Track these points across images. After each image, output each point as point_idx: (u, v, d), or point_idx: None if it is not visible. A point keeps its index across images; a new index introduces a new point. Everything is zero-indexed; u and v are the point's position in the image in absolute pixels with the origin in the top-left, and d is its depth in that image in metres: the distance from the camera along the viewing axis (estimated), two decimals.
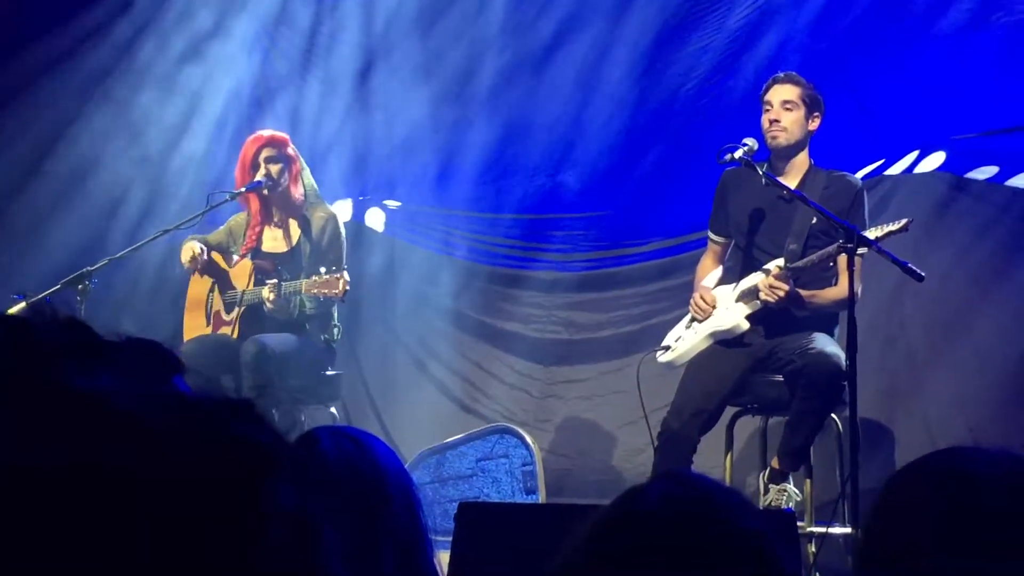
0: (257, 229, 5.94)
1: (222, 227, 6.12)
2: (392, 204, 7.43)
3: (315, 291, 5.45)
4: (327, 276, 5.43)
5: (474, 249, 7.33)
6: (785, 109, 5.12)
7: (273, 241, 5.95)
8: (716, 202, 5.39)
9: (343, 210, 6.90)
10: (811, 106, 5.14)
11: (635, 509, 1.28)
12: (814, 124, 5.16)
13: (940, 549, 1.48)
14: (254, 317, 5.74)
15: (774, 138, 5.12)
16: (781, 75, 5.22)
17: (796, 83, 5.16)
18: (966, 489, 1.51)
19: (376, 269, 7.19)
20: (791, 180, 5.13)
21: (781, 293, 4.91)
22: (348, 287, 5.44)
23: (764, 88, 5.23)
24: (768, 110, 5.16)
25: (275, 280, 5.60)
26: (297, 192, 5.89)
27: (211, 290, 5.98)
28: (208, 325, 5.92)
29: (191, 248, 5.83)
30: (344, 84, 7.24)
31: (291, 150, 5.92)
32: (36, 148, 7.05)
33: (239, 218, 6.06)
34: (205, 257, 5.85)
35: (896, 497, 1.58)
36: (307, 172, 6.01)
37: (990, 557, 1.46)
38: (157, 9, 7.14)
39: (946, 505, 1.50)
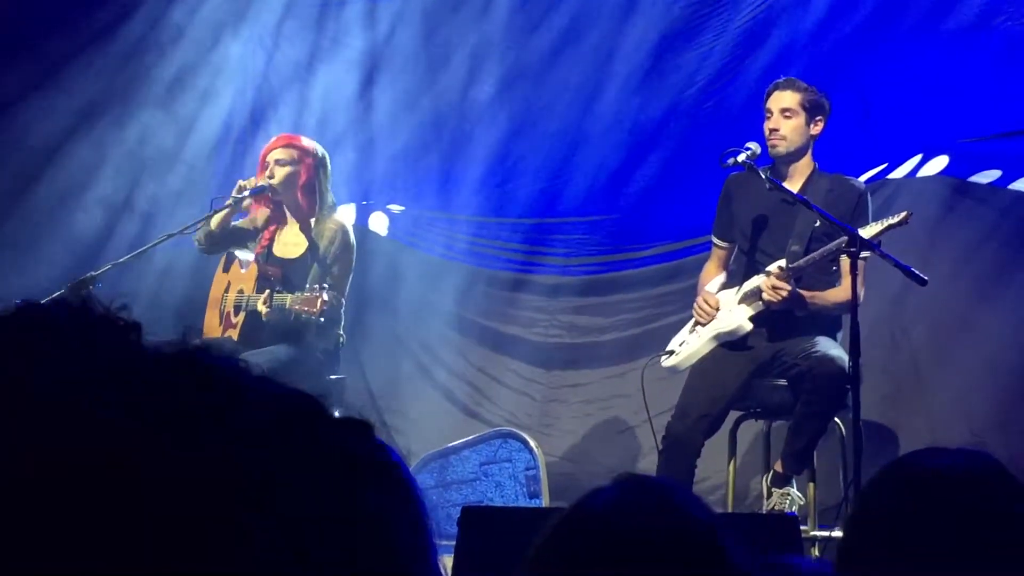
0: (272, 228, 5.94)
1: (248, 216, 6.12)
2: (396, 208, 7.44)
3: (296, 307, 5.47)
4: (307, 294, 5.45)
5: (477, 253, 7.34)
6: (784, 117, 5.12)
7: (283, 246, 5.94)
8: (720, 207, 5.39)
9: (347, 215, 6.90)
10: (812, 111, 5.12)
11: (585, 512, 1.31)
12: (816, 129, 5.15)
13: (914, 551, 1.51)
14: (254, 323, 5.76)
15: (773, 147, 5.12)
16: (782, 80, 5.20)
17: (796, 89, 5.14)
18: (933, 490, 1.54)
19: (379, 273, 7.18)
20: (794, 184, 5.13)
21: (784, 293, 4.91)
22: (326, 306, 5.44)
23: (766, 93, 5.23)
24: (768, 117, 5.15)
25: (268, 291, 5.63)
26: (304, 198, 5.85)
27: (226, 290, 6.01)
28: (220, 324, 5.96)
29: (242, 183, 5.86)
30: (348, 88, 7.24)
31: (308, 156, 5.85)
32: (40, 152, 7.05)
33: (261, 215, 6.04)
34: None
35: (867, 503, 1.61)
36: (324, 180, 5.93)
37: (962, 555, 1.49)
38: (160, 14, 7.15)
39: (915, 507, 1.53)
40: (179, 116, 7.19)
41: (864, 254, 4.72)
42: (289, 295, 5.55)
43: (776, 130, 5.10)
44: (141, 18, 7.13)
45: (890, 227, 4.71)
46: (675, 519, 1.27)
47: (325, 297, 5.42)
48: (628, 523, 1.27)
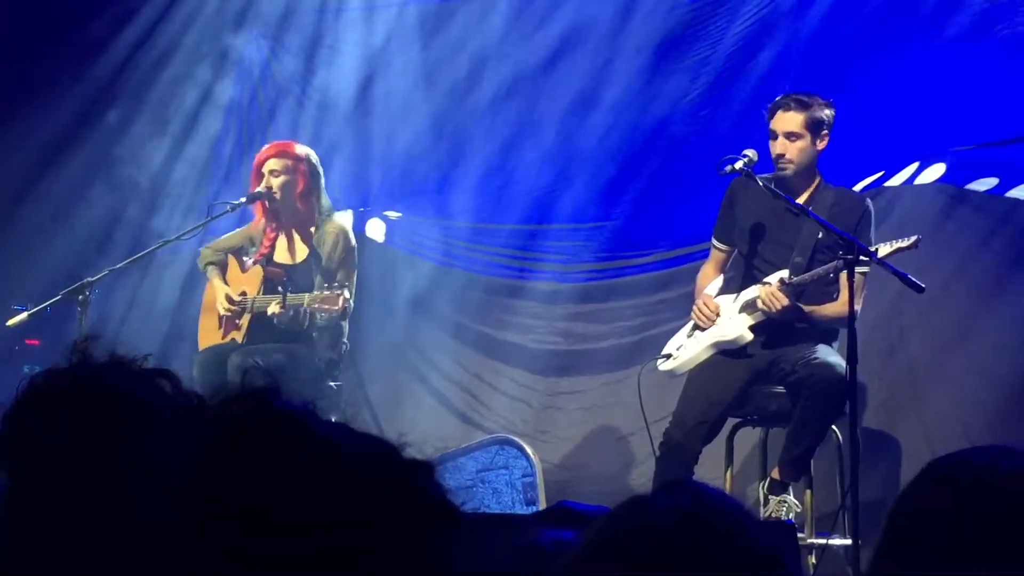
0: (272, 236, 5.93)
1: (241, 229, 6.09)
2: (393, 215, 7.43)
3: (316, 306, 5.44)
4: (328, 292, 5.43)
5: (474, 260, 7.32)
6: (790, 141, 5.06)
7: (284, 252, 5.93)
8: (722, 210, 5.36)
9: (344, 220, 6.89)
10: (816, 128, 5.05)
11: (647, 521, 1.27)
12: (823, 144, 5.11)
13: (953, 552, 1.44)
14: (263, 324, 5.74)
15: (782, 170, 5.06)
16: (786, 100, 5.08)
17: (799, 109, 5.03)
18: (991, 492, 1.47)
19: (376, 280, 7.17)
20: (799, 194, 5.11)
21: (785, 302, 4.91)
22: (349, 304, 5.43)
23: (769, 111, 5.12)
24: (773, 139, 5.08)
25: (281, 292, 5.59)
26: (303, 205, 5.84)
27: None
28: (220, 328, 5.94)
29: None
30: (345, 95, 7.23)
31: (302, 163, 5.84)
32: (39, 158, 7.05)
33: (259, 223, 6.02)
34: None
35: (919, 501, 1.53)
36: (322, 186, 5.93)
37: (1004, 558, 1.42)
38: (158, 21, 7.15)
39: (971, 510, 1.46)
40: (177, 123, 7.18)
41: (863, 269, 4.74)
42: (306, 295, 5.52)
43: (783, 155, 5.05)
44: (139, 25, 7.13)
45: (899, 250, 4.73)
46: (741, 537, 1.25)
47: (347, 295, 5.41)
48: (691, 539, 1.24)
